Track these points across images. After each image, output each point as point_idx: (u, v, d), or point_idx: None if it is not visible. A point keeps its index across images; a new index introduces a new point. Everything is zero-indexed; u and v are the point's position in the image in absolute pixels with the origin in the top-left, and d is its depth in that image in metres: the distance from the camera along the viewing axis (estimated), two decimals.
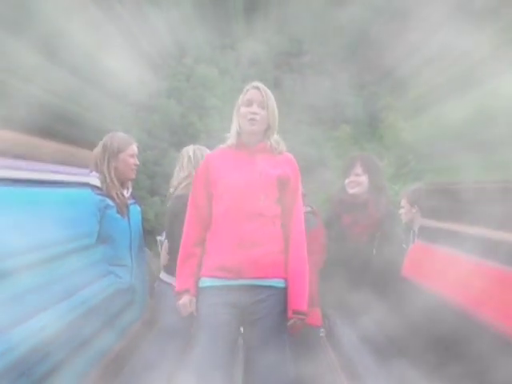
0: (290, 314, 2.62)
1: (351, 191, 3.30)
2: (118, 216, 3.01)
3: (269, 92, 2.78)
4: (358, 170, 3.29)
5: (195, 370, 2.57)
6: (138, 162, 3.20)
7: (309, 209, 3.33)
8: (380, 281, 3.00)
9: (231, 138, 2.78)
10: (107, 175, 3.04)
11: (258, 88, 2.77)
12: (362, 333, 3.02)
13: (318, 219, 3.30)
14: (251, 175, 2.68)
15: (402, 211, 3.68)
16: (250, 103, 2.74)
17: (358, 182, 3.29)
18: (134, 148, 3.19)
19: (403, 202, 3.69)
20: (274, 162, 2.73)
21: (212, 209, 2.71)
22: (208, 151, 3.19)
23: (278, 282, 2.65)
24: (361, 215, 3.23)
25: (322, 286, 3.17)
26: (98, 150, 3.12)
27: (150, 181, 21.30)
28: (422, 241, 3.31)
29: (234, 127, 2.77)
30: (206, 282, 2.66)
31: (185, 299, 2.65)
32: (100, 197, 2.98)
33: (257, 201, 2.64)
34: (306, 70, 28.42)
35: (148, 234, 3.68)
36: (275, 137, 2.77)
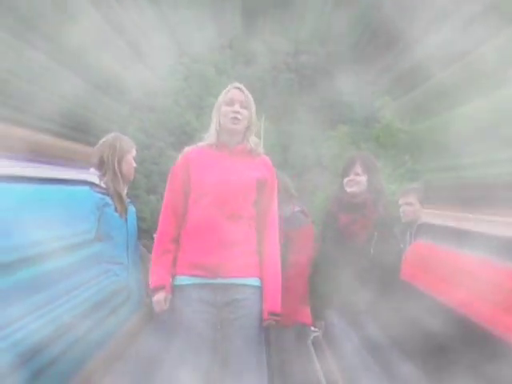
0: (265, 315, 2.64)
1: (349, 190, 3.28)
2: (116, 214, 3.02)
3: (249, 94, 2.81)
4: (358, 169, 3.28)
5: (174, 368, 2.57)
6: (135, 164, 3.25)
7: (298, 208, 3.34)
8: (377, 280, 2.99)
9: (211, 137, 2.79)
10: (117, 175, 3.07)
11: (239, 89, 2.80)
12: (360, 333, 3.02)
13: (308, 218, 3.30)
14: (231, 176, 2.69)
15: (406, 208, 3.66)
16: (232, 102, 2.76)
17: (356, 181, 3.27)
18: (135, 151, 3.26)
19: (411, 199, 3.66)
20: (252, 164, 2.77)
21: (188, 206, 2.72)
22: None
23: (255, 281, 2.67)
24: (359, 215, 3.22)
25: (319, 285, 3.16)
26: (104, 149, 3.13)
27: (147, 179, 21.31)
28: (420, 240, 3.30)
29: (214, 126, 2.78)
30: (182, 279, 2.67)
31: (159, 296, 2.66)
32: (100, 195, 2.98)
33: (235, 202, 2.66)
34: (304, 69, 28.44)
35: (144, 232, 3.67)
36: (254, 138, 2.80)
